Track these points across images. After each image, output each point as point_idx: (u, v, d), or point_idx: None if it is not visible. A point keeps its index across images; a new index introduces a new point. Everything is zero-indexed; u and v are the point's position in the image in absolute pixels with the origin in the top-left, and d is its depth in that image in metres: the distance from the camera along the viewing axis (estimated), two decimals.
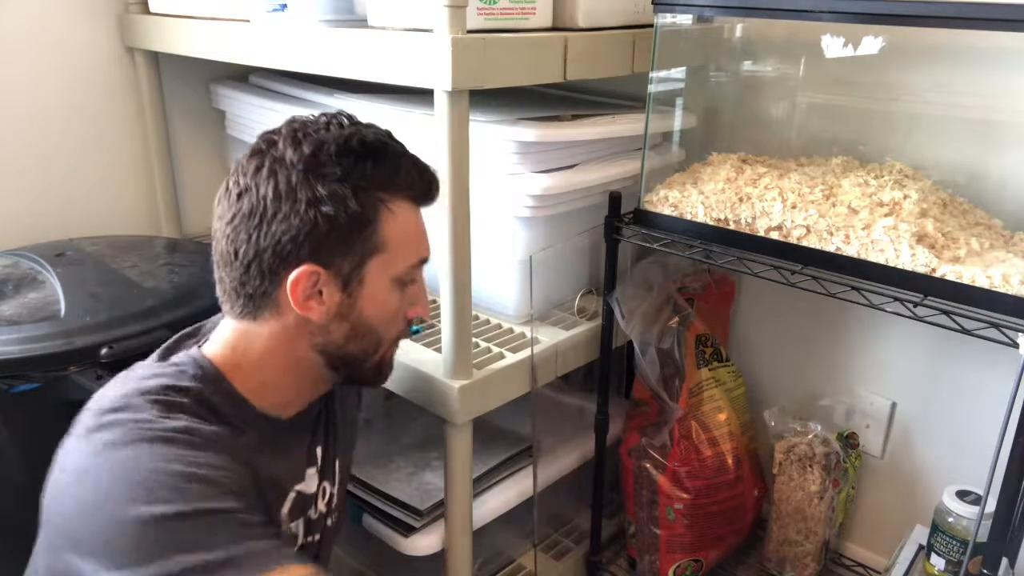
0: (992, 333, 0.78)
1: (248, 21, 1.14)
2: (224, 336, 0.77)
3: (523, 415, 1.17)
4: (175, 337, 0.82)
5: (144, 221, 1.49)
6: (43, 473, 0.87)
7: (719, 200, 0.99)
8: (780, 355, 1.32)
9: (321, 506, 0.87)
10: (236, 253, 0.72)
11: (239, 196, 0.72)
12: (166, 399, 0.70)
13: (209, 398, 0.73)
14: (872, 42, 1.05)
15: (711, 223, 0.99)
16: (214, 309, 1.00)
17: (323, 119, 0.75)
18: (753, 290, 1.32)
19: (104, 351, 0.96)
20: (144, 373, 0.74)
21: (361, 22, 1.00)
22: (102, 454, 0.65)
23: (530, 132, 1.01)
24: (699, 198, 1.01)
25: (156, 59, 1.41)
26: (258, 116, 1.36)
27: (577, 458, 1.25)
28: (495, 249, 1.11)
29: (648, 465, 1.18)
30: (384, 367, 0.84)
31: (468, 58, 0.84)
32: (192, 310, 1.06)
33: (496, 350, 1.06)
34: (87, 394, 0.94)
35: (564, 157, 1.08)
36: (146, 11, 1.35)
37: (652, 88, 1.07)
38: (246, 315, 0.75)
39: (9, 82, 1.28)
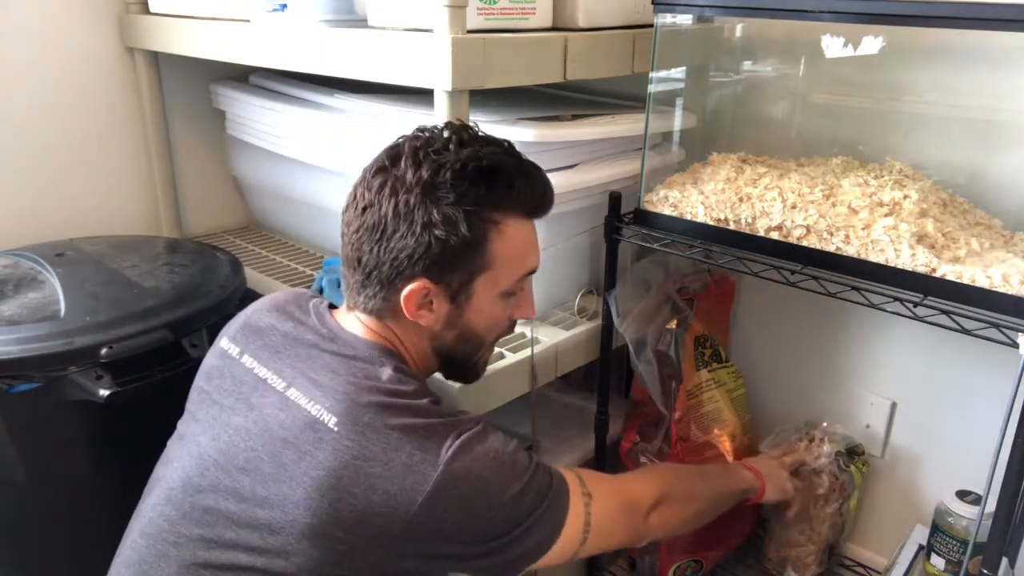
0: (992, 333, 0.78)
1: (248, 21, 1.14)
2: (368, 329, 0.81)
3: (523, 415, 1.17)
4: (313, 333, 0.83)
5: (144, 221, 1.49)
6: (43, 473, 0.87)
7: (719, 200, 0.99)
8: (780, 355, 1.32)
9: None
10: (359, 260, 0.79)
11: (364, 210, 0.77)
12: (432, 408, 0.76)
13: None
14: (872, 42, 1.05)
15: (711, 223, 0.99)
16: (214, 309, 1.00)
17: (444, 135, 0.78)
18: (753, 290, 1.32)
19: (104, 351, 0.96)
20: (388, 387, 0.76)
21: (361, 22, 1.00)
22: (458, 460, 0.72)
23: (530, 132, 1.01)
24: (699, 198, 1.01)
25: (156, 59, 1.41)
26: (258, 116, 1.36)
27: (577, 458, 1.25)
28: None
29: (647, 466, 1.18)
30: (480, 367, 0.90)
31: (468, 58, 0.84)
32: (192, 310, 1.06)
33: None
34: (87, 394, 0.94)
35: (564, 157, 1.08)
36: (146, 11, 1.35)
37: (652, 88, 1.07)
38: (371, 312, 0.81)
39: (9, 82, 1.28)
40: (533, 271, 0.85)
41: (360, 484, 0.70)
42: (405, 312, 0.78)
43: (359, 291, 0.80)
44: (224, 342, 0.86)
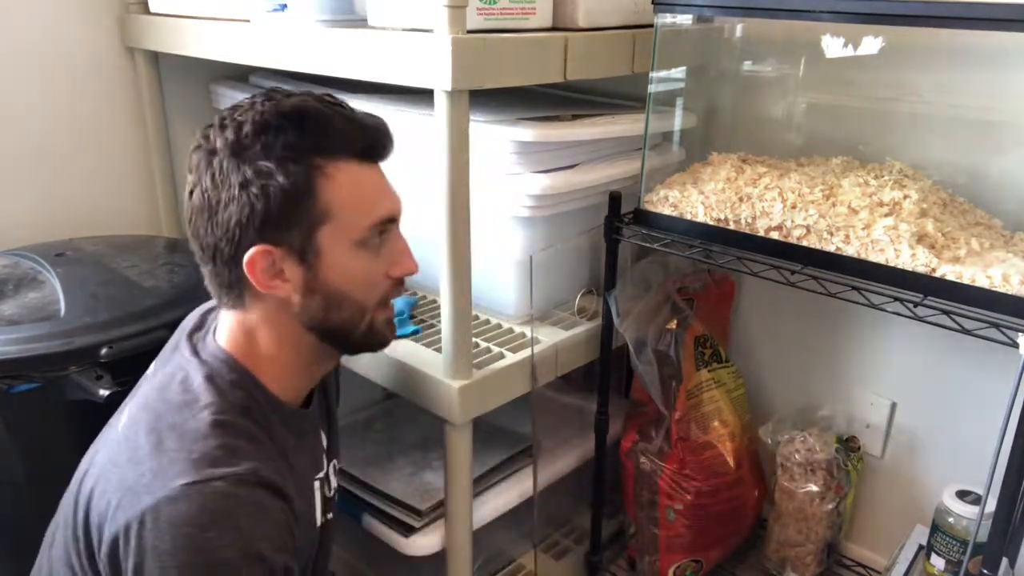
0: (992, 333, 0.78)
1: (248, 21, 1.14)
2: (228, 328, 0.78)
3: (523, 415, 1.17)
4: (189, 329, 0.82)
5: (144, 221, 1.49)
6: (43, 473, 0.87)
7: (719, 200, 0.99)
8: (780, 355, 1.32)
9: (328, 492, 0.87)
10: (202, 248, 0.74)
11: (191, 194, 0.74)
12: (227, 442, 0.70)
13: (252, 407, 0.74)
14: (872, 42, 1.05)
15: (711, 223, 0.99)
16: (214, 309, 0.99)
17: (251, 99, 0.74)
18: (753, 290, 1.32)
19: (104, 351, 0.96)
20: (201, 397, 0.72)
21: (361, 22, 1.00)
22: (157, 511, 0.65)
23: (530, 132, 1.01)
24: (699, 198, 1.01)
25: (156, 59, 1.41)
26: None
27: (577, 458, 1.25)
28: (495, 249, 1.11)
29: (647, 466, 1.19)
30: (376, 332, 0.81)
31: (468, 58, 0.83)
32: (192, 310, 1.06)
33: (496, 350, 1.06)
34: (87, 394, 0.94)
35: (564, 157, 1.08)
36: (146, 11, 1.35)
37: (652, 88, 1.07)
38: (233, 305, 0.76)
39: (9, 82, 1.28)
40: (390, 219, 0.78)
41: (100, 485, 0.69)
42: (258, 286, 0.73)
43: (216, 283, 0.76)
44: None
